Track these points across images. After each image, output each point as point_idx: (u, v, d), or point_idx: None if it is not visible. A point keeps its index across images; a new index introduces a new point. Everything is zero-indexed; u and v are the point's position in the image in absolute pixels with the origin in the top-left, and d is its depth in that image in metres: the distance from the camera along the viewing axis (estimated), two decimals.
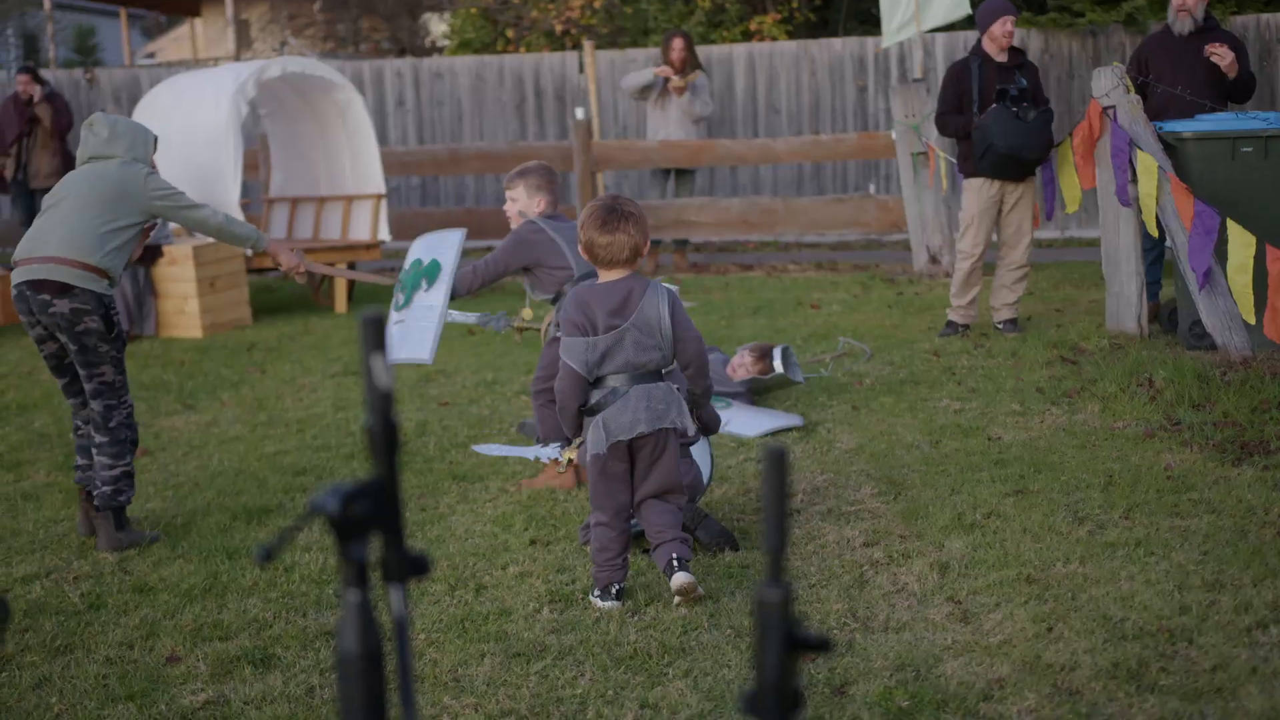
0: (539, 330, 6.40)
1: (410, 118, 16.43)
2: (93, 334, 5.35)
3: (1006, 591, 4.52)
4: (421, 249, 6.18)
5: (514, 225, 6.32)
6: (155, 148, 5.71)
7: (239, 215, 11.04)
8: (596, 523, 4.66)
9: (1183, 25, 8.68)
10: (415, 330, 5.91)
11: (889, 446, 6.37)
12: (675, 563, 4.53)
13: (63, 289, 5.29)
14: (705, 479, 5.42)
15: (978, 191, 8.75)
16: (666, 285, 4.70)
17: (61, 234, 5.34)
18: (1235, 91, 8.66)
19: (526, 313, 6.38)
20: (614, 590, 4.61)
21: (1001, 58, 8.74)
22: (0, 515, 6.00)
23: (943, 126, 8.99)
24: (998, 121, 8.42)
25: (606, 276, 4.62)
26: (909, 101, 11.39)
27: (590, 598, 4.66)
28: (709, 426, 4.97)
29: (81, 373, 5.41)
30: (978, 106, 8.67)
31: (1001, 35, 8.67)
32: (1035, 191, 8.81)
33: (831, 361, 8.29)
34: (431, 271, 6.02)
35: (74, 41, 32.22)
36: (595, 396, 4.59)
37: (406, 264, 6.18)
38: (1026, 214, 8.76)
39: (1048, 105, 8.67)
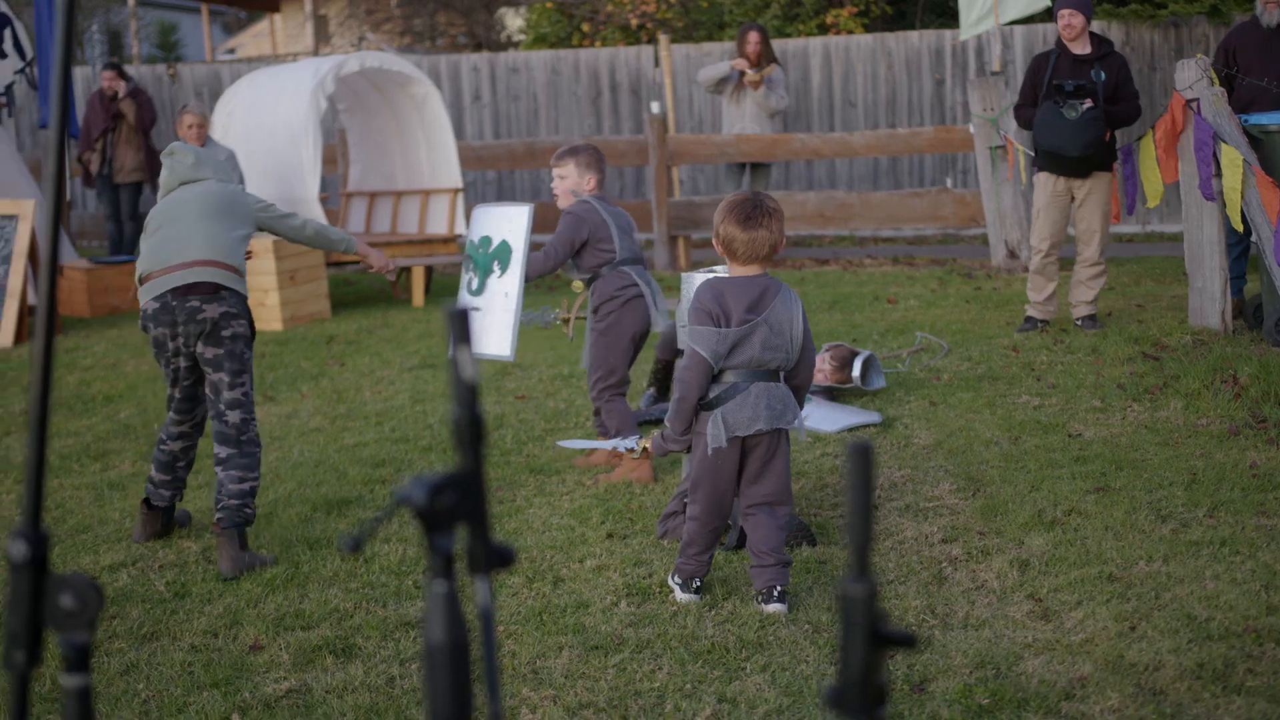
0: (582, 318, 6.42)
1: (487, 112, 16.51)
2: (240, 339, 5.23)
3: (1088, 589, 4.47)
4: (487, 223, 6.14)
5: (562, 204, 6.39)
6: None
7: (318, 209, 11.16)
8: (691, 517, 4.63)
9: (1271, 18, 8.55)
10: (495, 324, 5.93)
11: (967, 442, 6.32)
12: (776, 592, 4.50)
13: (213, 290, 5.17)
14: None
15: (1043, 186, 8.71)
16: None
17: (200, 240, 5.23)
18: None
19: (577, 285, 6.40)
20: (694, 585, 4.62)
21: (1080, 50, 8.63)
22: (87, 504, 6.11)
23: (1018, 118, 8.98)
24: (1043, 117, 8.45)
25: (740, 272, 4.56)
26: (987, 95, 11.28)
27: (670, 582, 4.68)
28: None
29: (225, 380, 5.21)
30: (1041, 100, 8.62)
31: (1063, 28, 8.61)
32: (1116, 186, 8.70)
33: (908, 357, 8.24)
34: (503, 254, 6.00)
35: (156, 38, 32.70)
36: (714, 391, 4.53)
37: (474, 236, 6.17)
38: (1097, 210, 8.65)
39: (1129, 100, 8.54)
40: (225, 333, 5.18)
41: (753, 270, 4.56)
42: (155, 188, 13.53)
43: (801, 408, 4.82)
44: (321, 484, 6.21)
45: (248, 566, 5.14)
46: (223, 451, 5.24)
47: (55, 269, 1.76)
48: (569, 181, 6.35)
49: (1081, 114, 8.31)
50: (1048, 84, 8.58)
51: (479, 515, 1.70)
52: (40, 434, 1.78)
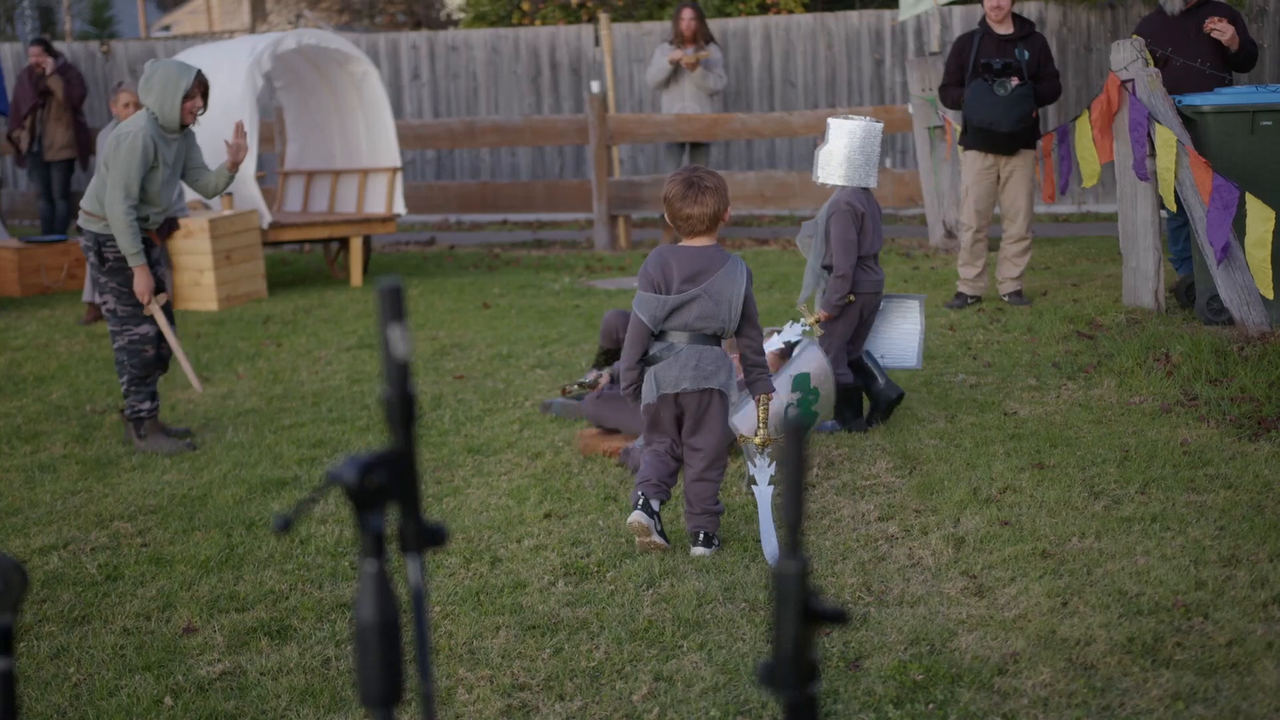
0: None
1: (426, 91, 16.40)
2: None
3: (1022, 566, 4.51)
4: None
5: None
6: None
7: (254, 188, 11.04)
8: (649, 448, 4.93)
9: (1172, 5, 8.63)
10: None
11: (904, 421, 6.36)
12: (701, 536, 4.87)
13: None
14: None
15: (971, 164, 8.93)
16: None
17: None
18: (1240, 62, 8.64)
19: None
20: (641, 501, 4.82)
21: (1003, 29, 8.80)
22: (18, 487, 6.02)
23: (944, 98, 9.21)
24: (973, 95, 8.71)
25: (690, 243, 4.92)
26: (925, 75, 11.32)
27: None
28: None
29: None
30: (969, 79, 8.80)
31: (991, 9, 8.77)
32: (1051, 166, 8.85)
33: None
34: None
35: (90, 14, 32.21)
36: (655, 349, 4.88)
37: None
38: (1022, 187, 8.85)
39: (1051, 79, 8.76)
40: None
41: (701, 242, 4.91)
42: (86, 165, 13.34)
43: (754, 371, 5.01)
44: (257, 465, 6.16)
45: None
46: None
47: None
48: None
49: (1011, 91, 8.49)
50: (974, 63, 8.74)
51: (410, 494, 1.69)
52: None
